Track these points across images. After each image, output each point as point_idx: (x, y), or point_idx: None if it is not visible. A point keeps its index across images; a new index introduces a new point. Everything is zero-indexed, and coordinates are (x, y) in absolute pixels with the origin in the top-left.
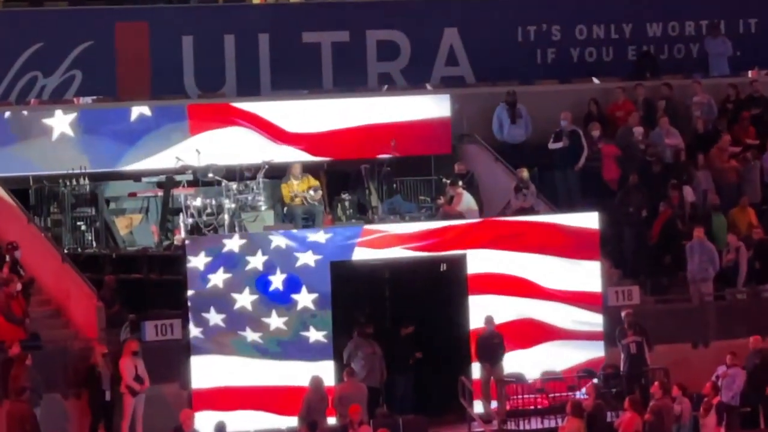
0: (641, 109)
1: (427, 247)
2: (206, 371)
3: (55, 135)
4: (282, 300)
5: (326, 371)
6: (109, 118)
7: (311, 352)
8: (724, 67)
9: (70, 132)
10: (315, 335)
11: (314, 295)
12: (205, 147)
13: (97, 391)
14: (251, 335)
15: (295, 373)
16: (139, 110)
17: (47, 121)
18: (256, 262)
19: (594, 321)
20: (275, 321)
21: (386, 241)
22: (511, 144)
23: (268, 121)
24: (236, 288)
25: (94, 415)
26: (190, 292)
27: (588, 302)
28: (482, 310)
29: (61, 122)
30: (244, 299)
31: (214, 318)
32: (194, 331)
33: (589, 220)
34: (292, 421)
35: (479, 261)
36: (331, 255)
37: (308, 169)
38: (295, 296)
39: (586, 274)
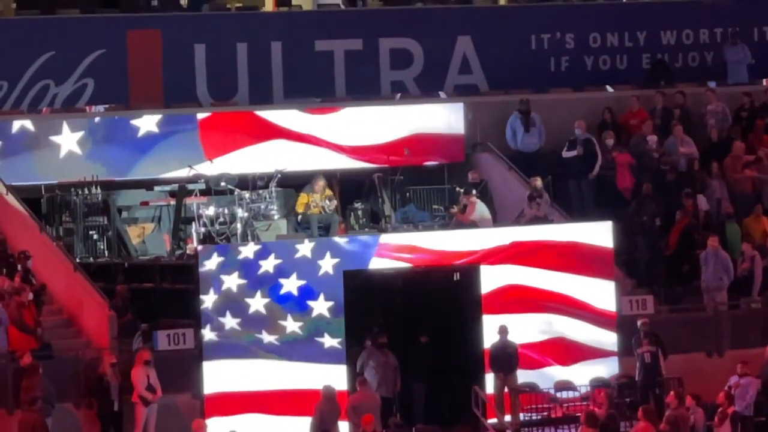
0: (659, 117)
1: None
2: (218, 376)
3: (63, 152)
4: (297, 306)
5: (340, 375)
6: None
7: (326, 357)
8: (743, 74)
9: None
10: (329, 341)
11: (330, 303)
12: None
13: (106, 401)
14: (267, 337)
15: (309, 377)
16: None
17: (55, 138)
18: (269, 266)
19: (608, 340)
20: (291, 324)
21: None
22: (524, 152)
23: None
24: (250, 293)
25: (102, 426)
26: (203, 296)
27: (602, 319)
28: (496, 321)
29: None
30: (258, 303)
31: (230, 322)
32: (208, 335)
33: (603, 229)
34: (304, 423)
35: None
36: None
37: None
38: (311, 303)
39: (602, 292)
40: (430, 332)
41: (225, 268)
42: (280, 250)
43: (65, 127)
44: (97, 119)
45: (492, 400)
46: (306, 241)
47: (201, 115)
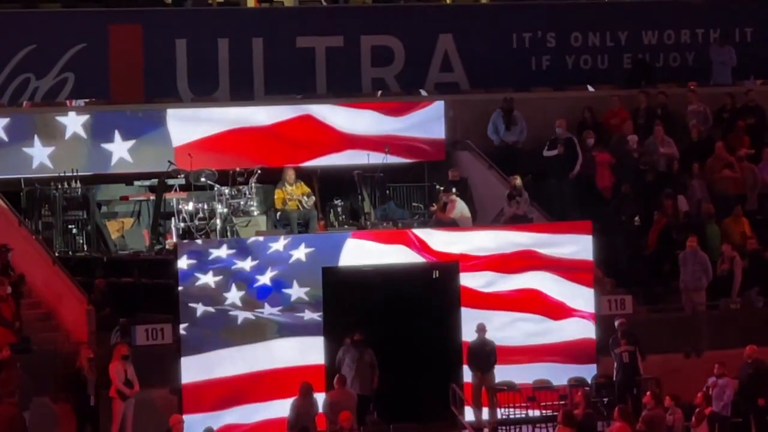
0: (642, 117)
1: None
2: (196, 369)
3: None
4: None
5: (317, 348)
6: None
7: (304, 329)
8: (727, 76)
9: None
10: (309, 315)
11: (306, 288)
12: None
13: (83, 395)
14: (244, 314)
15: (287, 353)
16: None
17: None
18: (245, 265)
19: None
20: (268, 309)
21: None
22: (505, 150)
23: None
24: (225, 288)
25: (79, 420)
26: (180, 288)
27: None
28: (474, 318)
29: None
30: (233, 296)
31: (203, 309)
32: (185, 329)
33: (582, 228)
34: (284, 405)
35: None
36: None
37: (301, 175)
38: (286, 291)
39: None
40: (409, 329)
41: (200, 267)
42: (256, 249)
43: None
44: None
45: (470, 393)
46: (281, 238)
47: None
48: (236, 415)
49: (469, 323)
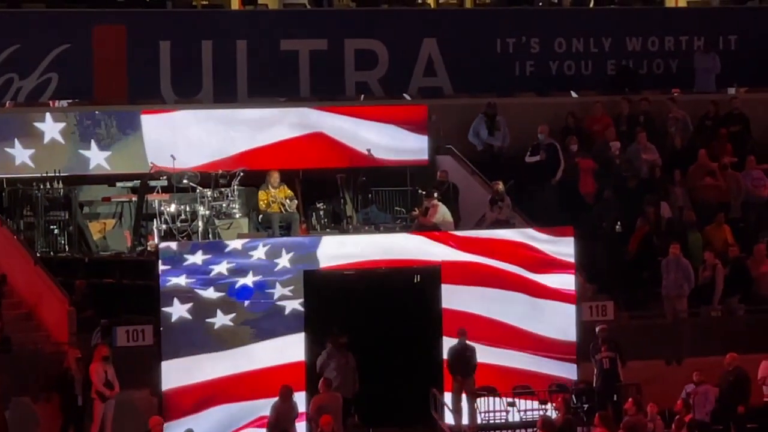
0: (625, 124)
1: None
2: (177, 373)
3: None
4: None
5: (298, 345)
6: None
7: (284, 325)
8: (711, 83)
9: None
10: (291, 304)
11: (291, 286)
12: None
13: (70, 395)
14: (222, 319)
15: (268, 354)
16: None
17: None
18: (222, 269)
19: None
20: (249, 308)
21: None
22: (489, 150)
23: None
24: (204, 289)
25: (65, 420)
26: (162, 292)
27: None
28: (455, 322)
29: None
30: (211, 294)
31: (180, 310)
32: (166, 330)
33: (564, 233)
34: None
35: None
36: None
37: (283, 178)
38: (269, 290)
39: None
40: (390, 333)
41: (180, 270)
42: (234, 255)
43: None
44: None
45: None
46: (260, 245)
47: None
48: (217, 415)
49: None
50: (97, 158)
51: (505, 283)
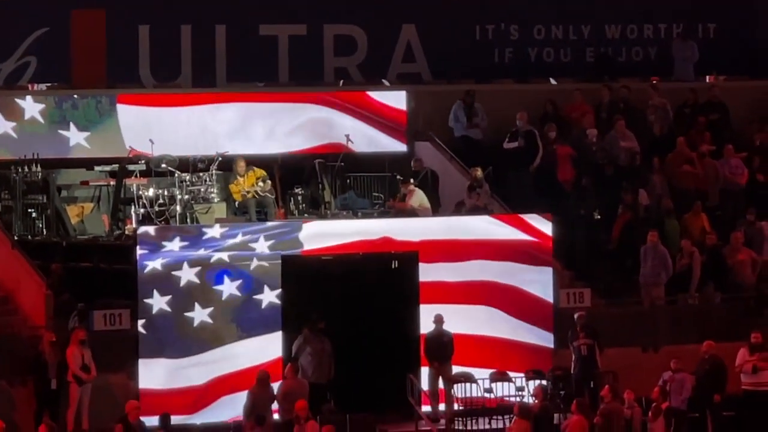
0: (605, 111)
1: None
2: (154, 375)
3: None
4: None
5: (276, 343)
6: None
7: (262, 323)
8: (689, 72)
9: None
10: (269, 296)
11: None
12: None
13: (43, 379)
14: (200, 314)
15: (247, 354)
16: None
17: None
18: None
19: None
20: (228, 287)
21: None
22: (466, 142)
23: None
24: (180, 270)
25: (38, 403)
26: (140, 278)
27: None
28: (432, 309)
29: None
30: (188, 274)
31: (160, 301)
32: (143, 322)
33: (542, 222)
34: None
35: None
36: None
37: (261, 163)
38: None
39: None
40: (367, 319)
41: (157, 254)
42: (213, 240)
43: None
44: None
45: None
46: (239, 232)
47: None
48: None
49: (427, 314)
50: (76, 137)
51: (480, 253)
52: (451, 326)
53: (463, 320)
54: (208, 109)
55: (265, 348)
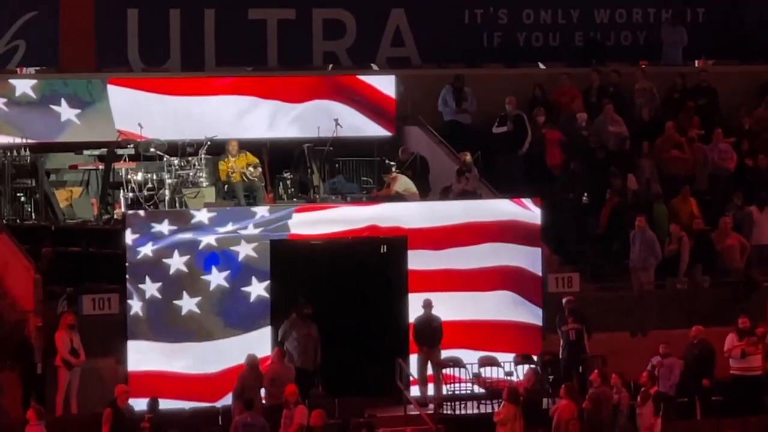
0: (594, 96)
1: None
2: (142, 355)
3: None
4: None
5: (264, 340)
6: None
7: (250, 317)
8: (678, 56)
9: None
10: (257, 289)
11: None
12: None
13: (29, 363)
14: (188, 303)
15: (235, 352)
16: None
17: None
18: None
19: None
20: (216, 277)
21: None
22: (455, 125)
23: None
24: (169, 256)
25: (24, 388)
26: (127, 264)
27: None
28: (421, 294)
29: None
30: (177, 262)
31: (151, 288)
32: (133, 305)
33: (530, 205)
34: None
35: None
36: None
37: (250, 147)
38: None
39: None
40: (356, 303)
41: (146, 239)
42: (202, 225)
43: None
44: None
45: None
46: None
47: None
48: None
49: (416, 299)
50: (68, 113)
51: (470, 238)
52: (440, 311)
53: (452, 304)
54: (198, 98)
55: (253, 346)
